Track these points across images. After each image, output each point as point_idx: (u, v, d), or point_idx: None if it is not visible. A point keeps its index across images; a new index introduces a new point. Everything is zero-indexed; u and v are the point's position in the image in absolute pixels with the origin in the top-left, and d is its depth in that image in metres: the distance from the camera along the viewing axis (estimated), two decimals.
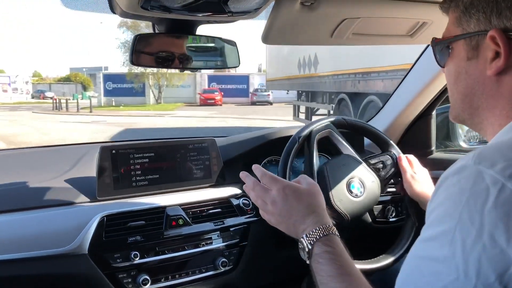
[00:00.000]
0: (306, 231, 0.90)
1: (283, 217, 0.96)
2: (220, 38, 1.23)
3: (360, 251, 1.32)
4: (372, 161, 1.42)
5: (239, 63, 1.24)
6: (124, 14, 1.10)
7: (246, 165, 1.66)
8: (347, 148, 1.40)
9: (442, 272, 0.58)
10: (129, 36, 34.91)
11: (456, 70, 0.80)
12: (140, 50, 1.12)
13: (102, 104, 34.67)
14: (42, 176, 1.44)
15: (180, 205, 1.43)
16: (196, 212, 1.45)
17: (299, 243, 0.90)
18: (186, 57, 1.19)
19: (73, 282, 1.27)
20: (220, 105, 32.41)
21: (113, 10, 1.16)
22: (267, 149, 1.68)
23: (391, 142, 1.48)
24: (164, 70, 31.94)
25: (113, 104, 33.44)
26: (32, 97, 48.32)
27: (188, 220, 1.41)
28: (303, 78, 12.61)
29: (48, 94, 46.45)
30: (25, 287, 1.25)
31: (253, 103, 33.32)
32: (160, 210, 1.40)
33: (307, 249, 0.88)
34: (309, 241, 0.88)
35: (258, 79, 37.99)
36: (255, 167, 1.07)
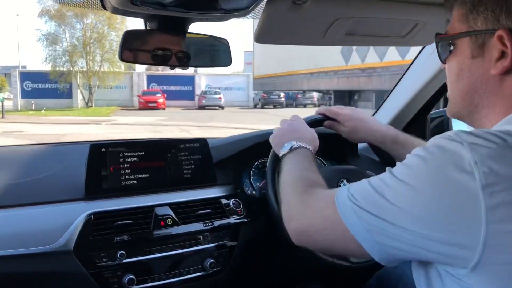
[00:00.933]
0: (294, 141, 1.10)
1: (284, 131, 1.19)
2: (212, 36, 1.22)
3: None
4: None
5: (231, 62, 1.23)
6: (115, 10, 1.09)
7: (238, 167, 1.65)
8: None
9: (391, 185, 0.70)
10: (52, 27, 30.15)
11: (459, 67, 0.80)
12: (130, 47, 1.11)
13: (19, 108, 29.15)
14: (30, 173, 1.42)
15: (169, 204, 1.42)
16: (185, 212, 1.43)
17: (282, 147, 1.11)
18: (177, 55, 1.17)
19: (58, 281, 1.26)
20: (163, 108, 28.85)
21: (104, 6, 1.15)
22: (259, 151, 1.67)
23: None
24: (96, 68, 29.16)
25: (33, 107, 28.01)
26: None
27: (177, 220, 1.40)
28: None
29: None
30: (9, 285, 1.23)
31: (201, 107, 29.45)
32: (149, 210, 1.38)
33: (288, 147, 1.09)
34: (293, 144, 1.09)
35: (205, 80, 34.36)
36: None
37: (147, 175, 1.45)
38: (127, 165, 1.42)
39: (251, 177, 1.64)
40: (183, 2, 1.02)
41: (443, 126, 1.91)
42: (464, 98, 0.80)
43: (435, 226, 0.64)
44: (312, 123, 1.30)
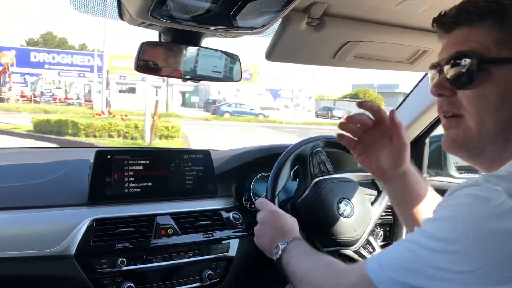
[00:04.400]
0: (282, 240, 1.05)
1: (265, 232, 1.13)
2: (223, 52, 1.25)
3: None
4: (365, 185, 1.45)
5: (241, 77, 1.26)
6: (132, 21, 1.11)
7: (239, 179, 1.67)
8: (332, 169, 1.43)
9: (427, 245, 0.63)
10: None
11: (501, 95, 0.70)
12: (146, 58, 1.13)
13: None
14: (33, 176, 1.43)
15: (171, 214, 1.43)
16: (186, 223, 1.44)
17: (274, 249, 1.05)
18: (190, 68, 1.20)
19: (57, 285, 1.26)
20: None
21: (121, 17, 1.17)
22: (260, 165, 1.69)
23: None
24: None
25: None
26: (317, 116, 35.86)
27: (178, 230, 1.41)
28: None
29: (337, 112, 34.54)
30: (8, 287, 1.23)
31: None
32: (150, 218, 1.39)
33: (281, 248, 1.03)
34: (284, 242, 1.04)
35: None
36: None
37: (150, 184, 1.46)
38: (131, 173, 1.43)
39: (251, 191, 1.66)
40: (198, 18, 1.05)
41: (441, 149, 1.95)
42: (499, 133, 0.71)
43: (486, 278, 0.58)
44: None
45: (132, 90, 34.84)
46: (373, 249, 1.39)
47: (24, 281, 1.24)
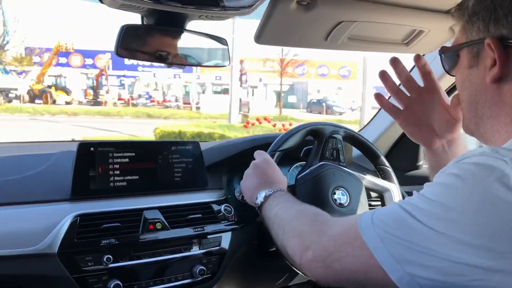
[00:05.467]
0: (267, 188, 1.09)
1: (254, 176, 1.17)
2: (210, 35, 1.19)
3: None
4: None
5: (230, 62, 1.20)
6: (112, 4, 1.05)
7: (229, 171, 1.62)
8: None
9: (425, 209, 0.64)
10: None
11: (461, 78, 0.81)
12: (127, 42, 1.06)
13: None
14: (12, 172, 1.36)
15: (159, 208, 1.37)
16: (175, 217, 1.38)
17: (258, 194, 1.10)
18: (174, 53, 1.14)
19: (39, 285, 1.20)
20: None
21: (101, 0, 1.11)
22: (251, 156, 1.63)
23: (381, 155, 1.46)
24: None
25: None
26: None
27: (167, 224, 1.35)
28: None
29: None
30: None
31: None
32: (138, 213, 1.33)
33: (267, 193, 1.07)
34: (267, 191, 1.07)
35: None
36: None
37: (137, 177, 1.40)
38: (117, 166, 1.37)
39: None
40: None
41: None
42: (469, 110, 0.80)
43: (479, 251, 0.58)
44: None
45: (227, 91, 33.50)
46: None
47: (4, 281, 1.17)
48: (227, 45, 1.20)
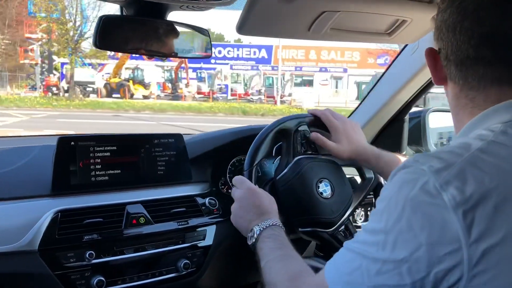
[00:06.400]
0: (261, 221, 1.08)
1: (244, 208, 1.13)
2: (191, 26, 1.16)
3: (332, 252, 1.28)
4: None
5: (212, 53, 1.18)
6: None
7: (214, 164, 1.60)
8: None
9: (370, 242, 0.66)
10: None
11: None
12: (106, 33, 1.03)
13: None
14: None
15: (142, 202, 1.35)
16: (159, 211, 1.37)
17: (250, 232, 1.07)
18: (155, 44, 1.11)
19: (20, 283, 1.17)
20: None
21: None
22: (236, 148, 1.62)
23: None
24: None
25: None
26: None
27: (150, 218, 1.33)
28: None
29: None
30: None
31: None
32: (120, 207, 1.31)
33: (256, 233, 1.05)
34: (259, 228, 1.05)
35: None
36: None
37: (119, 171, 1.38)
38: (98, 160, 1.34)
39: (228, 175, 1.59)
40: None
41: (420, 126, 1.92)
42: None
43: (420, 265, 0.60)
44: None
45: (308, 83, 31.83)
46: (350, 234, 1.34)
47: None
48: (209, 36, 1.17)
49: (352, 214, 1.37)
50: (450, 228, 0.59)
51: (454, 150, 0.66)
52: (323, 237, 1.28)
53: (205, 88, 28.44)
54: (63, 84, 25.75)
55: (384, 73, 1.75)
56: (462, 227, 0.58)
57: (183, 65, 27.58)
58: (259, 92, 27.87)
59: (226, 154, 1.61)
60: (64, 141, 1.30)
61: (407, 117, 1.78)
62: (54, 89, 25.55)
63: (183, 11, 1.14)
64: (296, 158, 1.31)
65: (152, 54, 1.11)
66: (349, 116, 1.89)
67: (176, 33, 1.14)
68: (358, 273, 0.67)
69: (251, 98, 27.38)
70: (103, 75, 27.02)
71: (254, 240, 1.05)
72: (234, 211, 1.15)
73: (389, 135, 1.79)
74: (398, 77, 1.65)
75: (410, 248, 0.61)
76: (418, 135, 1.91)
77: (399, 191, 0.64)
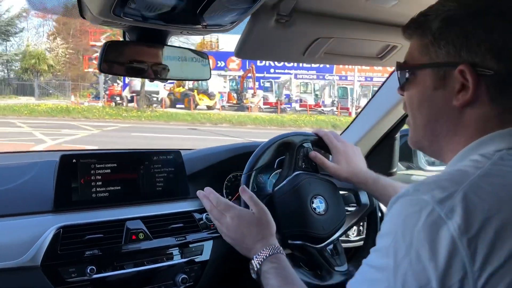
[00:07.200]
0: (256, 253, 1.06)
1: (236, 240, 1.13)
2: (191, 50, 1.21)
3: (317, 268, 1.32)
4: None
5: (210, 76, 1.23)
6: (94, 20, 1.06)
7: (211, 180, 1.64)
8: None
9: (378, 279, 0.66)
10: None
11: (420, 97, 0.81)
12: (110, 58, 1.08)
13: None
14: None
15: (141, 218, 1.38)
16: (157, 226, 1.40)
17: (250, 264, 1.06)
18: (157, 67, 1.16)
19: None
20: None
21: (82, 15, 1.12)
22: (233, 164, 1.66)
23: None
24: None
25: None
26: None
27: (149, 234, 1.37)
28: None
29: None
30: None
31: None
32: (120, 223, 1.34)
33: (256, 268, 1.04)
34: (258, 261, 1.05)
35: None
36: (209, 191, 1.22)
37: (119, 188, 1.42)
38: (99, 177, 1.38)
39: (224, 191, 1.63)
40: (165, 16, 1.01)
41: None
42: (426, 127, 0.82)
43: None
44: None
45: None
46: (337, 253, 1.39)
47: None
48: (208, 60, 1.22)
49: (342, 235, 1.41)
50: (456, 257, 0.60)
51: (452, 177, 0.67)
52: (310, 252, 1.31)
53: (272, 98, 26.49)
54: (126, 93, 25.01)
55: (376, 92, 1.80)
56: (467, 255, 0.59)
57: (249, 74, 26.00)
58: (332, 103, 25.99)
59: (223, 171, 1.65)
60: (66, 158, 1.34)
61: (398, 135, 1.83)
62: (117, 98, 24.97)
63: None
64: (295, 173, 1.36)
65: (155, 78, 1.15)
66: (342, 133, 1.94)
67: (176, 57, 1.19)
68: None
69: (323, 110, 25.46)
70: (164, 85, 25.33)
71: (256, 275, 1.05)
72: (227, 239, 1.15)
73: (381, 152, 1.84)
74: (390, 96, 1.70)
75: (420, 281, 0.61)
76: (409, 152, 1.97)
77: (404, 224, 0.64)
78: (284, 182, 1.35)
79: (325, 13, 1.08)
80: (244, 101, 26.12)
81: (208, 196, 1.20)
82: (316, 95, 26.63)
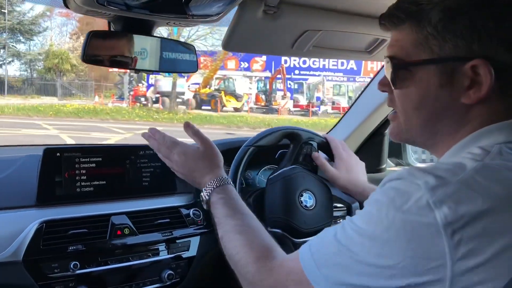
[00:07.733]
0: (205, 185, 1.11)
1: (186, 175, 1.18)
2: (178, 41, 1.20)
3: None
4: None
5: (197, 69, 1.21)
6: (78, 9, 1.04)
7: None
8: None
9: (354, 238, 0.67)
10: None
11: (421, 96, 0.74)
12: (94, 48, 1.06)
13: None
14: None
15: (127, 213, 1.36)
16: (143, 222, 1.38)
17: (200, 196, 1.11)
18: (141, 59, 1.14)
19: None
20: None
21: (66, 4, 1.10)
22: (224, 158, 1.64)
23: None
24: None
25: None
26: None
27: (135, 229, 1.34)
28: None
29: None
30: None
31: None
32: (105, 218, 1.32)
33: (205, 199, 1.10)
34: (206, 193, 1.10)
35: None
36: (154, 131, 1.24)
37: (104, 182, 1.39)
38: (83, 171, 1.36)
39: None
40: (150, 5, 0.99)
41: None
42: (424, 127, 0.77)
43: (403, 273, 0.62)
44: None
45: None
46: None
47: None
48: (195, 52, 1.20)
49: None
50: (437, 245, 0.59)
51: (449, 168, 0.65)
52: (287, 244, 1.29)
53: (303, 100, 25.06)
54: (150, 94, 24.42)
55: (365, 88, 1.80)
56: (449, 246, 0.59)
57: (279, 75, 24.70)
58: None
59: None
60: (50, 152, 1.32)
61: (387, 131, 1.83)
62: (142, 99, 24.24)
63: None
64: (293, 165, 1.37)
65: (138, 70, 1.13)
66: (329, 131, 1.93)
67: (162, 49, 1.17)
68: (338, 268, 0.68)
69: None
70: (189, 86, 25.01)
71: (206, 206, 1.10)
72: (177, 173, 1.20)
73: (370, 149, 1.84)
74: (379, 93, 1.69)
75: (395, 259, 0.62)
76: (398, 148, 1.97)
77: (391, 201, 0.64)
78: (279, 171, 1.35)
79: (313, 4, 1.07)
80: (273, 103, 24.94)
81: (153, 135, 1.23)
82: (350, 97, 25.14)
